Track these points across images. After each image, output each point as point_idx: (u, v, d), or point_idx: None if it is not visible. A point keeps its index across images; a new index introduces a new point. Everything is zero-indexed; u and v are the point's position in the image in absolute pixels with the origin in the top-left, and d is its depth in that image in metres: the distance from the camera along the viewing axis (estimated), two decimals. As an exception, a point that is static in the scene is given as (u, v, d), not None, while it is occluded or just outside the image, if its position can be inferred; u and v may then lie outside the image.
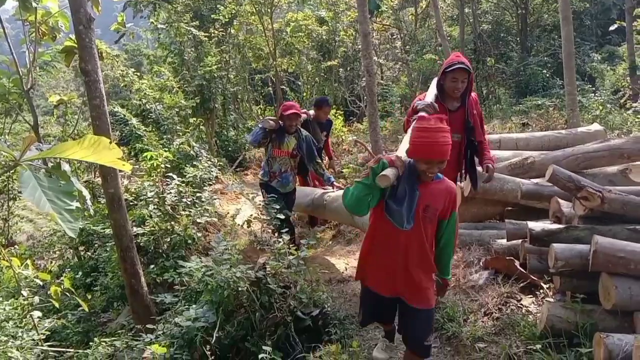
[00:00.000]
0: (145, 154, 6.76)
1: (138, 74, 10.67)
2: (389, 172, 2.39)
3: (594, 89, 12.65)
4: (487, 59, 15.41)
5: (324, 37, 14.87)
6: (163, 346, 3.16)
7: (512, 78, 15.28)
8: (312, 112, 6.65)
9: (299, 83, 16.69)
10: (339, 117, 12.65)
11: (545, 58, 15.32)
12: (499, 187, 4.91)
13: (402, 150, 2.74)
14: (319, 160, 5.59)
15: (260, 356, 2.89)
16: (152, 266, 5.29)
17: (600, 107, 10.34)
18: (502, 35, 17.01)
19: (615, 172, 4.74)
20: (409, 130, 2.89)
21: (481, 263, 4.36)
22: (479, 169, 4.18)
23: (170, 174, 6.28)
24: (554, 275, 3.54)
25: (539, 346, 3.00)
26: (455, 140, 3.73)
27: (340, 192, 5.43)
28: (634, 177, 4.58)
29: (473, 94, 3.98)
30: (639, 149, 4.79)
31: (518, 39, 16.78)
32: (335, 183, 5.61)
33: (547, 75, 14.45)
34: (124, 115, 8.75)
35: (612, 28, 12.37)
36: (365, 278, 2.87)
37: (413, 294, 2.68)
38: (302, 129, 5.47)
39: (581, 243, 3.26)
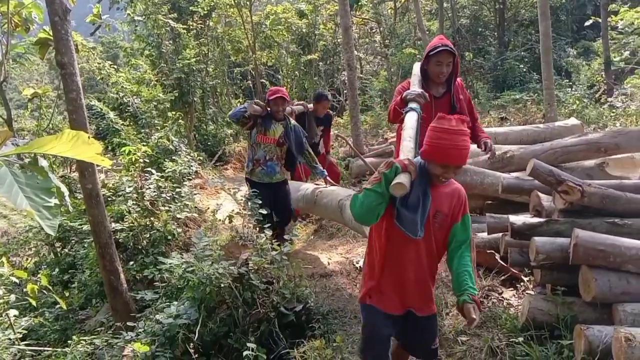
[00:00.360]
0: (123, 148, 6.67)
1: (115, 66, 10.50)
2: (404, 178, 2.14)
3: (570, 83, 12.84)
4: (465, 53, 15.50)
5: (304, 30, 14.82)
6: (144, 344, 3.12)
7: (490, 72, 15.43)
8: (311, 105, 6.43)
9: (279, 77, 16.60)
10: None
11: (522, 53, 15.51)
12: (479, 181, 4.95)
13: (405, 149, 2.55)
14: (311, 152, 5.28)
15: (245, 353, 2.86)
16: (131, 263, 5.23)
17: (577, 102, 10.51)
18: (480, 30, 17.16)
19: (593, 166, 4.82)
20: (409, 128, 2.75)
21: (462, 256, 4.39)
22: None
23: (149, 169, 6.19)
24: (534, 269, 3.58)
25: (520, 339, 3.05)
26: None
27: (332, 188, 5.29)
28: (611, 171, 4.66)
29: (458, 79, 3.79)
30: (616, 143, 4.87)
31: (496, 33, 16.95)
32: (327, 178, 5.31)
33: (524, 69, 14.63)
34: (101, 109, 8.60)
35: (587, 24, 12.50)
36: (374, 295, 2.48)
37: (423, 303, 2.47)
38: (289, 118, 5.18)
39: (561, 236, 3.30)
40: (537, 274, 3.56)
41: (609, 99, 10.74)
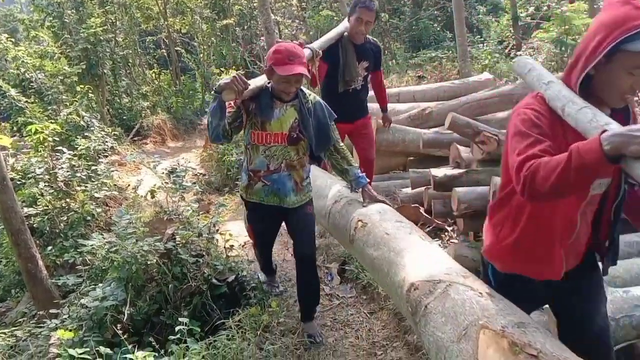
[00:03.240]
0: (29, 127, 6.21)
1: (13, 40, 9.72)
2: None
3: (482, 39, 13.30)
4: (381, 14, 15.62)
5: (217, -6, 14.31)
6: (70, 330, 2.97)
7: (406, 33, 15.67)
8: (345, 24, 3.98)
9: (195, 44, 16.02)
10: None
11: (435, 12, 15.83)
12: (401, 138, 5.05)
13: None
14: (340, 145, 2.99)
15: (177, 328, 2.79)
16: (49, 248, 4.97)
17: (489, 57, 10.91)
18: (394, -10, 17.31)
19: (506, 117, 5.03)
20: None
21: (389, 213, 4.49)
22: None
23: (60, 148, 5.84)
24: (457, 218, 3.72)
25: (448, 286, 3.16)
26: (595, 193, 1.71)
27: (385, 213, 2.74)
28: (523, 121, 4.90)
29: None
30: (527, 94, 5.11)
31: (409, -7, 17.16)
32: (367, 189, 2.92)
33: (438, 28, 14.98)
34: (1, 87, 7.97)
35: (495, -19, 12.97)
36: None
37: None
38: (304, 91, 2.88)
39: (481, 185, 3.44)
40: (460, 223, 3.71)
41: (518, 53, 11.22)
